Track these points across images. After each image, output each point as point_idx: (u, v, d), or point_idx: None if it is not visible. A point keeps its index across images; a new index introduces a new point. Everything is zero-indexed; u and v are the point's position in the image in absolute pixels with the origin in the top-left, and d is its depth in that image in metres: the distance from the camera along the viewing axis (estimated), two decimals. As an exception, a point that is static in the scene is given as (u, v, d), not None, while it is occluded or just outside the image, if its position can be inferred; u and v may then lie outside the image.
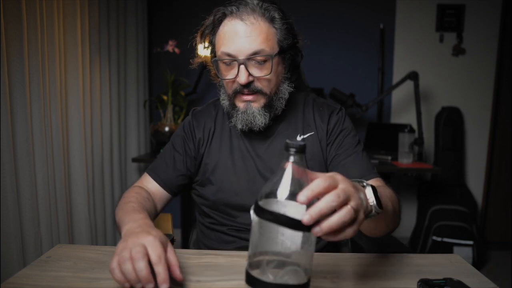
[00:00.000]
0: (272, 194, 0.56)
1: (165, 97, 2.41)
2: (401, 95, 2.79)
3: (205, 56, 1.02)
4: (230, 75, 0.92)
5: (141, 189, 1.01)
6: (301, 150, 0.56)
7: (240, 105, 0.95)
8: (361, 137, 2.88)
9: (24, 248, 1.49)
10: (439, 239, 2.43)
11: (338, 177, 0.57)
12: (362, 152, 1.00)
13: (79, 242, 1.89)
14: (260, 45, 0.88)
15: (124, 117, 2.47)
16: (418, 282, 0.69)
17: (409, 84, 2.55)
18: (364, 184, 0.67)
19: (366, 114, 2.73)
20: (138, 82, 2.55)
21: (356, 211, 0.55)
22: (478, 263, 2.40)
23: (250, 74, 0.90)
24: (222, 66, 0.94)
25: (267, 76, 0.91)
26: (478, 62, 2.77)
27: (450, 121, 2.69)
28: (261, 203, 0.56)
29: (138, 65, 2.55)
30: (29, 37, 1.51)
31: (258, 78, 0.91)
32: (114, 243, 2.33)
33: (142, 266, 0.60)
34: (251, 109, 0.93)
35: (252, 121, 0.94)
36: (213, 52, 0.97)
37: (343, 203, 0.54)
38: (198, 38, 0.98)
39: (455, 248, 2.40)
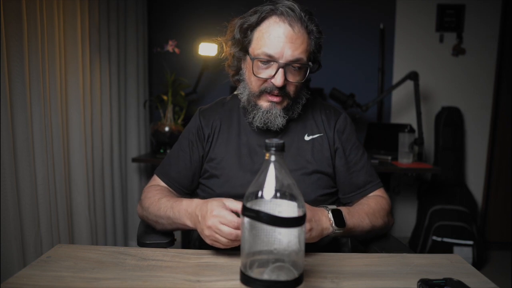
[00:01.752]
0: (260, 194, 0.57)
1: (165, 97, 2.41)
2: (401, 95, 2.79)
3: (231, 48, 1.02)
4: (265, 74, 0.95)
5: (159, 186, 1.06)
6: (280, 148, 0.58)
7: (264, 104, 0.98)
8: (361, 137, 2.89)
9: (24, 248, 1.49)
10: (439, 239, 2.43)
11: None
12: (366, 162, 1.07)
13: (79, 242, 1.89)
14: (301, 54, 0.92)
15: (124, 117, 2.47)
16: (418, 282, 0.69)
17: (409, 84, 2.55)
18: (327, 208, 0.88)
19: (366, 114, 2.73)
20: (138, 82, 2.55)
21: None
22: (478, 263, 2.40)
23: (285, 78, 0.93)
24: (257, 64, 0.95)
25: (299, 84, 0.96)
26: (478, 62, 2.77)
27: (450, 121, 2.69)
28: (249, 204, 0.57)
29: (138, 65, 2.55)
30: (29, 37, 1.51)
31: (290, 83, 0.95)
32: (114, 243, 2.33)
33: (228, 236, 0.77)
34: (275, 109, 0.97)
35: (273, 121, 0.98)
36: (244, 45, 0.97)
37: None
38: (236, 29, 0.98)
39: (455, 248, 2.40)
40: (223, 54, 1.07)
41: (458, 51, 2.76)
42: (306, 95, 1.05)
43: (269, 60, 0.92)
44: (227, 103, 1.12)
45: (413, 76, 2.37)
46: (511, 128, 2.81)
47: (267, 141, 0.58)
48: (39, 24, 1.56)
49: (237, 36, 0.97)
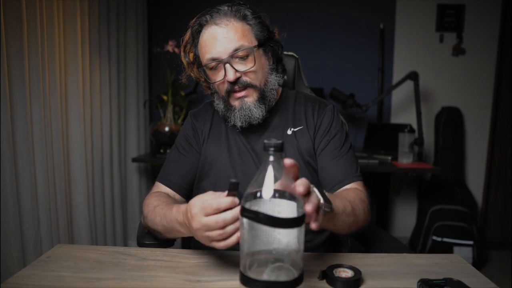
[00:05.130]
0: (259, 194, 0.57)
1: (165, 97, 2.41)
2: (401, 95, 2.79)
3: (193, 71, 1.06)
4: (219, 77, 0.98)
5: (158, 192, 1.04)
6: (279, 149, 0.58)
7: (235, 103, 0.99)
8: (361, 137, 2.87)
9: (24, 248, 1.49)
10: (439, 239, 2.43)
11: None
12: (347, 153, 1.03)
13: (79, 242, 1.89)
14: (238, 42, 0.94)
15: (124, 117, 2.47)
16: (418, 282, 0.69)
17: (409, 84, 2.55)
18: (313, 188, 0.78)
19: (366, 114, 2.73)
20: (138, 82, 2.55)
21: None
22: (478, 263, 2.40)
23: (236, 71, 0.95)
24: (209, 72, 0.99)
25: (252, 69, 0.96)
26: (478, 62, 2.77)
27: (450, 121, 2.69)
28: (248, 204, 0.57)
29: (138, 65, 2.55)
30: (29, 37, 1.51)
31: (245, 73, 0.96)
32: (114, 243, 2.33)
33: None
34: (246, 104, 0.98)
35: (250, 116, 0.98)
36: (199, 63, 1.01)
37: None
38: (182, 54, 1.04)
39: (455, 248, 2.40)
40: (184, 76, 1.07)
41: (458, 51, 2.76)
42: (277, 79, 1.03)
43: (215, 63, 0.96)
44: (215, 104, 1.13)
45: (413, 76, 2.37)
46: (511, 128, 2.81)
47: (265, 141, 0.58)
48: (39, 24, 1.56)
49: (187, 59, 1.04)
